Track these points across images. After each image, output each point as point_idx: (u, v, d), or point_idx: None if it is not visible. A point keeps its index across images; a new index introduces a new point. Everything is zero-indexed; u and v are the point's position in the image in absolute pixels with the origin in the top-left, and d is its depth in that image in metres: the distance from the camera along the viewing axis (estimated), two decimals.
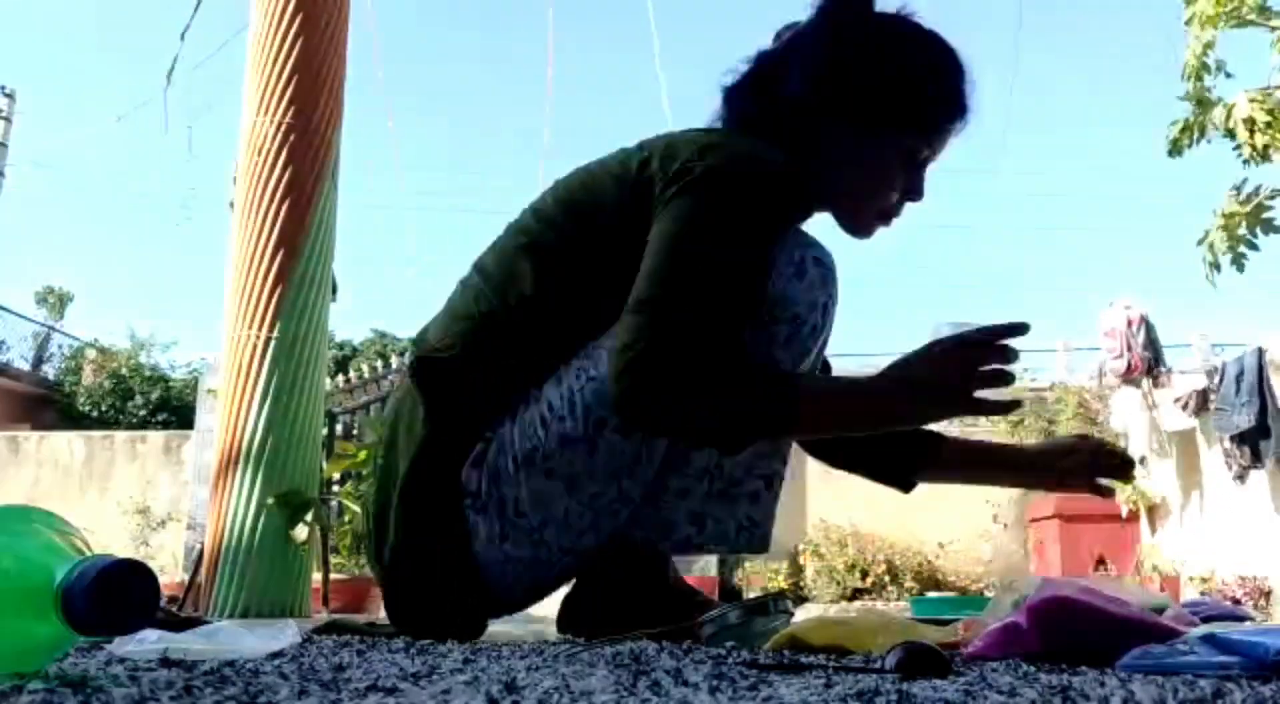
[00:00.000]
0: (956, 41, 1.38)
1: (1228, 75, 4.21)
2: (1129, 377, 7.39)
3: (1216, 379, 6.60)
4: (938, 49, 1.36)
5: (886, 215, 1.38)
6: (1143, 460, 7.69)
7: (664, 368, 1.12)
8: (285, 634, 0.81)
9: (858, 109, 1.31)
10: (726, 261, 1.17)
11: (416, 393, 1.29)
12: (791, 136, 1.32)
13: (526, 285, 1.27)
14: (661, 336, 1.13)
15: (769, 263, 1.22)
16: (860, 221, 1.39)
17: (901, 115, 1.32)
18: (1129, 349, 7.31)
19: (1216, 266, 4.20)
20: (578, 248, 1.28)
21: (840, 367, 1.73)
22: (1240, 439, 6.31)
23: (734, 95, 1.40)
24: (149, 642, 0.73)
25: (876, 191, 1.35)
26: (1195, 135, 4.27)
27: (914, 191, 1.37)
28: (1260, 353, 6.27)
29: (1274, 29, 4.06)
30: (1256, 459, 6.21)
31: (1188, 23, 4.12)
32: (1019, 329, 1.15)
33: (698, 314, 1.14)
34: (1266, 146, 3.91)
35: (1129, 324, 7.33)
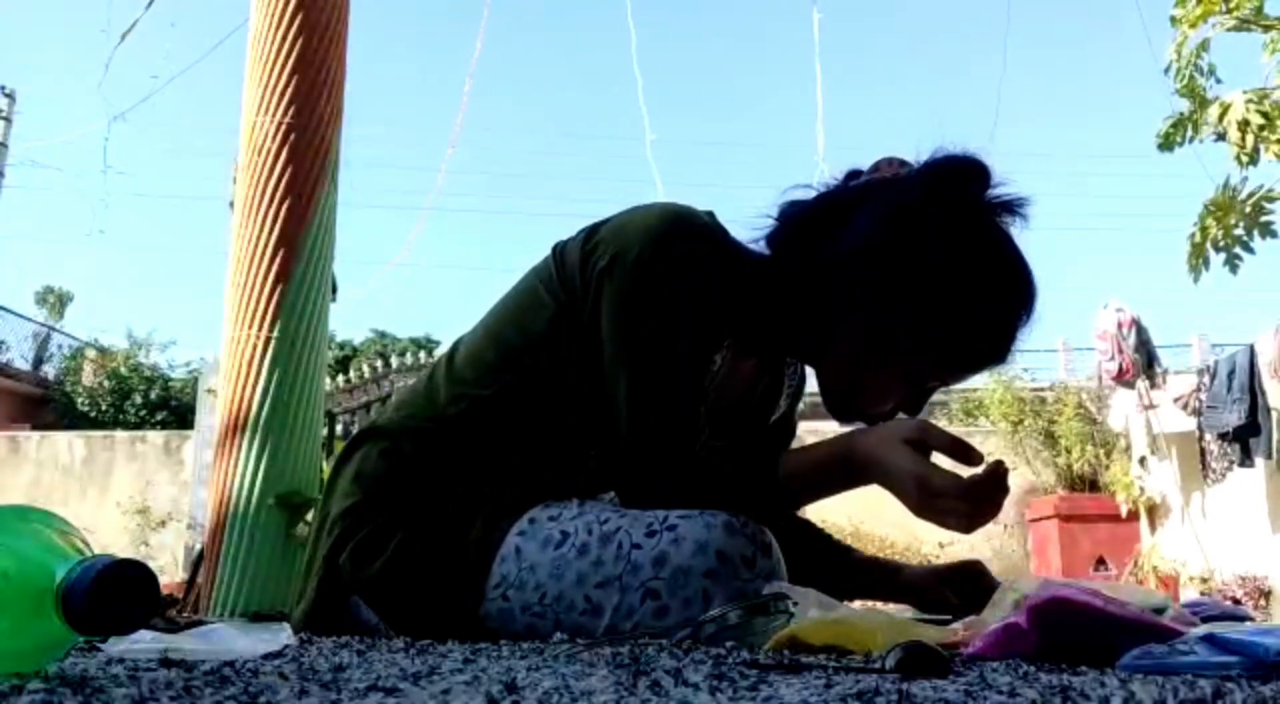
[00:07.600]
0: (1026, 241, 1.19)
1: (1218, 80, 4.21)
2: (1121, 379, 7.40)
3: (1208, 377, 6.61)
4: (1002, 292, 1.18)
5: (869, 417, 1.24)
6: (1142, 460, 7.70)
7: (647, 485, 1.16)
8: (280, 635, 0.81)
9: (885, 310, 1.17)
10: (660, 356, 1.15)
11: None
12: (805, 274, 1.22)
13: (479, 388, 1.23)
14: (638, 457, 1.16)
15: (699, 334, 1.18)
16: (839, 405, 1.26)
17: (927, 345, 1.18)
18: (1120, 352, 7.32)
19: (1206, 263, 4.18)
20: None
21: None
22: (1230, 436, 6.34)
23: (785, 222, 1.27)
24: (148, 642, 0.73)
25: (865, 392, 1.23)
26: (1187, 132, 4.26)
27: (911, 409, 1.24)
28: (1251, 351, 6.28)
29: (1267, 29, 4.05)
30: (1246, 456, 6.24)
31: (1174, 22, 4.11)
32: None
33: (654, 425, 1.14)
34: (1256, 149, 3.89)
35: (1120, 327, 7.33)
